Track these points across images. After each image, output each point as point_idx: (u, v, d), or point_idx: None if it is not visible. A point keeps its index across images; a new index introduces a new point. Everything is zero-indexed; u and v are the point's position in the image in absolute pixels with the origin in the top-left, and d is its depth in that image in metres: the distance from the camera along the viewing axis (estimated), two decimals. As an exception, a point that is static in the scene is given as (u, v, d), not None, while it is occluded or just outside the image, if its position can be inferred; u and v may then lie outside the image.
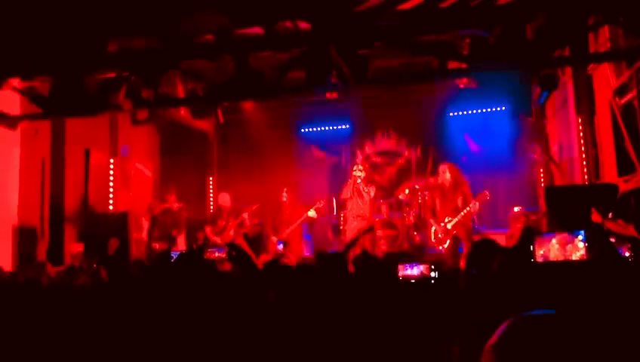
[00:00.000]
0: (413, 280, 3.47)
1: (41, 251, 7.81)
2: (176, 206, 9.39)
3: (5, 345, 2.76)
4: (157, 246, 8.87)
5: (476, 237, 7.27)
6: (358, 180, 8.85)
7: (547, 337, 0.87)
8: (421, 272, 3.49)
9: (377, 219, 9.23)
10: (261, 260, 8.69)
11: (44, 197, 8.08)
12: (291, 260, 8.39)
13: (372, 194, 8.83)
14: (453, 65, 6.40)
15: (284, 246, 9.14)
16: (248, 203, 9.39)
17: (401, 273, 3.66)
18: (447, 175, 7.93)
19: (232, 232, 8.89)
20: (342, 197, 9.23)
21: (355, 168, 9.14)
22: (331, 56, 5.53)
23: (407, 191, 9.51)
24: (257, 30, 5.71)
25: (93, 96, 6.54)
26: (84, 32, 5.82)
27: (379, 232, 9.13)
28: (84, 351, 2.73)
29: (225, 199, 9.31)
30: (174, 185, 9.77)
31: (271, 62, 6.16)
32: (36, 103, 6.86)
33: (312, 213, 9.01)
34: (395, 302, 2.84)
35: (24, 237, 7.57)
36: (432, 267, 3.49)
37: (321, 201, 9.09)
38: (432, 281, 3.34)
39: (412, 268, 3.52)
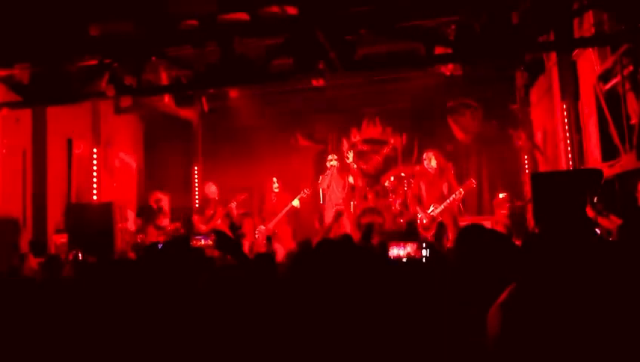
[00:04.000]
0: (404, 260, 3.45)
1: (24, 242, 7.69)
2: (159, 202, 9.36)
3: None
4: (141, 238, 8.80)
5: (462, 223, 7.33)
6: (334, 171, 8.98)
7: (548, 298, 0.88)
8: (408, 253, 3.47)
9: (362, 207, 9.26)
10: (247, 249, 8.68)
11: (26, 187, 7.94)
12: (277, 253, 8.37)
13: (351, 181, 8.94)
14: (439, 51, 6.39)
15: (270, 239, 9.14)
16: (234, 192, 9.34)
17: (390, 253, 3.64)
18: (433, 162, 7.97)
19: (219, 221, 8.85)
20: (320, 187, 9.29)
21: (329, 158, 9.22)
22: (318, 42, 5.48)
23: (392, 178, 9.55)
24: (243, 16, 5.63)
25: (75, 83, 6.43)
26: (64, 17, 5.70)
27: (365, 220, 9.15)
28: (71, 346, 2.68)
29: (211, 189, 9.26)
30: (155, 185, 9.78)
31: (257, 48, 6.09)
32: (16, 91, 6.72)
33: (296, 203, 9.02)
34: (386, 283, 2.83)
35: (6, 228, 7.43)
36: (424, 245, 3.47)
37: (306, 190, 9.09)
38: (424, 260, 3.32)
39: (400, 249, 3.51)
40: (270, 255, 3.61)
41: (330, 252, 3.38)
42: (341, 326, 2.44)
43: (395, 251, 3.66)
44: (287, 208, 9.02)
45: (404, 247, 3.66)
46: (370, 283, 2.85)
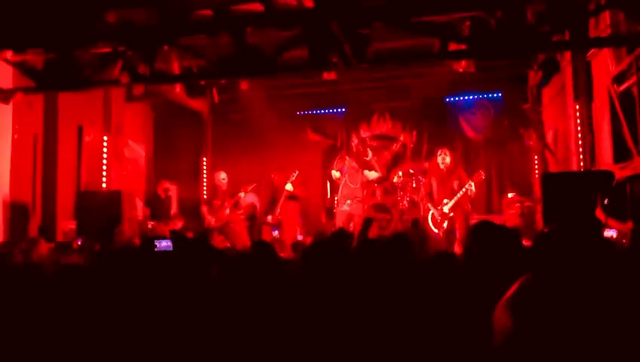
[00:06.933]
0: None
1: (33, 227, 7.73)
2: (168, 191, 9.37)
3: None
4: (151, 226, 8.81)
5: (472, 220, 7.30)
6: (350, 164, 9.04)
7: (557, 294, 0.88)
8: None
9: (370, 204, 9.26)
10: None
11: (37, 173, 7.98)
12: (285, 244, 8.40)
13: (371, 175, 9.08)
14: (453, 47, 6.34)
15: (278, 230, 9.23)
16: (242, 183, 9.35)
17: None
18: (448, 159, 7.94)
19: (227, 212, 8.85)
20: (332, 169, 9.43)
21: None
22: (333, 35, 5.45)
23: (399, 173, 9.53)
24: (257, 6, 5.62)
25: (88, 70, 6.44)
26: (79, 3, 5.71)
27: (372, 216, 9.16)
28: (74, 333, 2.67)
29: (221, 177, 9.25)
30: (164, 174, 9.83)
31: (270, 39, 6.07)
32: (30, 76, 6.74)
33: (289, 187, 9.20)
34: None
35: (16, 212, 7.48)
36: None
37: (295, 173, 9.28)
38: None
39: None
40: (269, 243, 3.59)
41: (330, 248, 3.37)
42: (345, 316, 2.44)
43: None
44: (283, 195, 9.20)
45: None
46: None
